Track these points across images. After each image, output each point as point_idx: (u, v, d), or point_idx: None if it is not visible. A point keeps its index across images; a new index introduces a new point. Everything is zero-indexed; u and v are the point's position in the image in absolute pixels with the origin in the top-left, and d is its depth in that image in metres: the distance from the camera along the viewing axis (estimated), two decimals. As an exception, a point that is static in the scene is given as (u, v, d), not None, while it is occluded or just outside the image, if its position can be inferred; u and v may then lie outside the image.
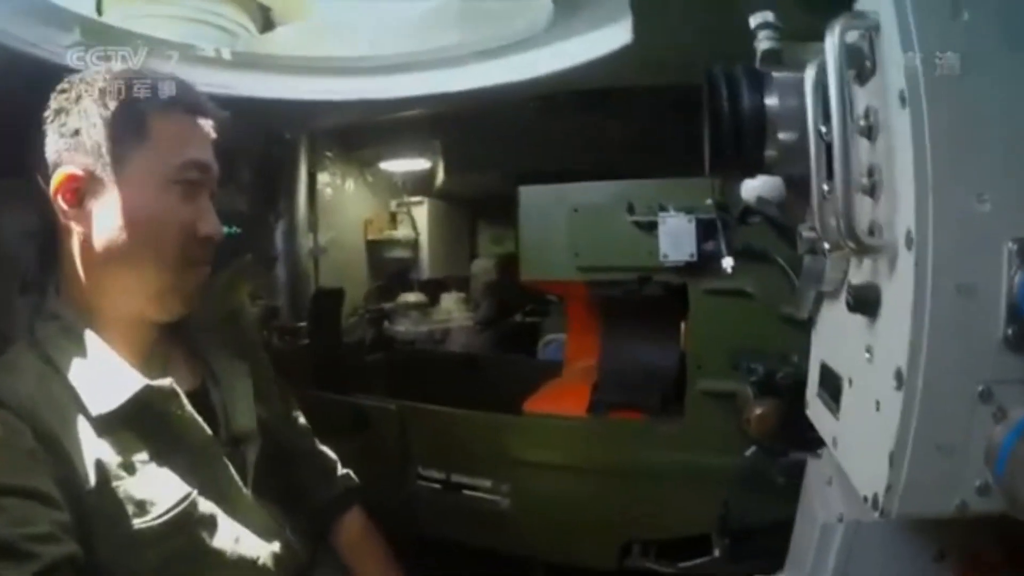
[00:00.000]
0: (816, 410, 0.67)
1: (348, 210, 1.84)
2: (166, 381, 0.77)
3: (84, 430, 0.71)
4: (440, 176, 1.82)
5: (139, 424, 0.75)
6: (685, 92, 0.71)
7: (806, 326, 0.75)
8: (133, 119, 0.77)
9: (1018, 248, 0.42)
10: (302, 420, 1.05)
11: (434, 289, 1.99)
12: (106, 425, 0.72)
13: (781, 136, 0.57)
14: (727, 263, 1.03)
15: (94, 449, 0.71)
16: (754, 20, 0.63)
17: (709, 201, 1.13)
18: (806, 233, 0.58)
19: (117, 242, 0.76)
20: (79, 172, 0.76)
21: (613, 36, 0.96)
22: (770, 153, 0.58)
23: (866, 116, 0.48)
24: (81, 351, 0.76)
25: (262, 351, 1.02)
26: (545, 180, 1.32)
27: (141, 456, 0.74)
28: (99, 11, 0.86)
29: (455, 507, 1.36)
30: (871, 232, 0.48)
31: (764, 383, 0.97)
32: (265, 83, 1.10)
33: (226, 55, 0.95)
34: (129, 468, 0.73)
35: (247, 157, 1.38)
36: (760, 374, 0.98)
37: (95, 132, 0.76)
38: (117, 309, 0.79)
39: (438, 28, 1.11)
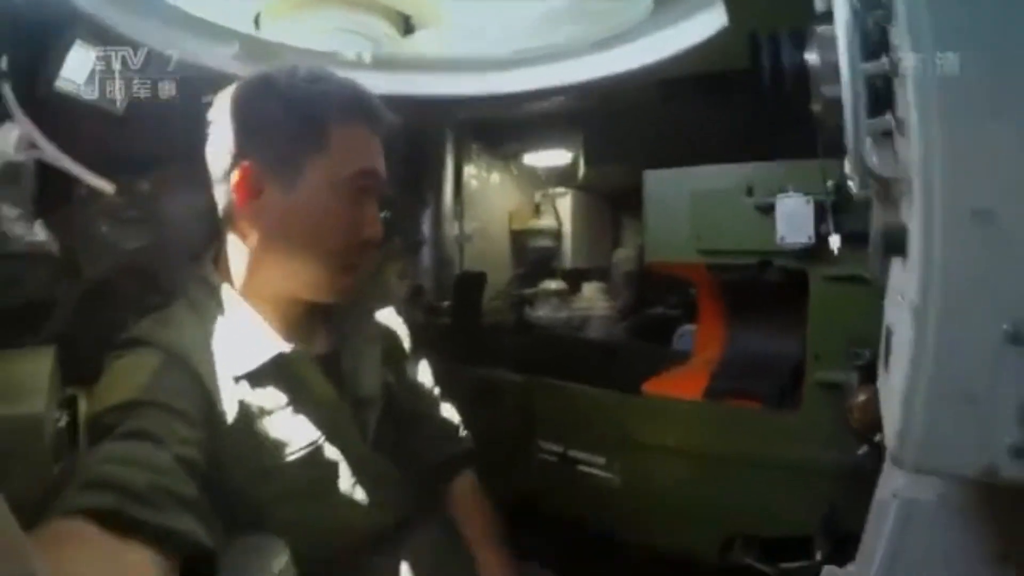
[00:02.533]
0: (881, 378, 0.62)
1: (493, 201, 1.95)
2: (299, 347, 0.85)
3: (228, 377, 0.79)
4: (582, 168, 1.87)
5: (276, 379, 0.83)
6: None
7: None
8: (315, 126, 0.82)
9: (1044, 168, 0.37)
10: (432, 389, 1.13)
11: (575, 278, 2.03)
12: (248, 377, 0.81)
13: (824, 89, 0.55)
14: (834, 242, 0.96)
15: (237, 393, 0.79)
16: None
17: (830, 183, 1.06)
18: (850, 182, 0.55)
19: (284, 237, 0.83)
20: (257, 168, 0.81)
21: (712, 21, 0.96)
22: (816, 107, 0.56)
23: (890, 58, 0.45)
24: (226, 315, 0.84)
25: (401, 325, 1.09)
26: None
27: (277, 403, 0.83)
28: (257, 25, 1.03)
29: (569, 481, 1.40)
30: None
31: (870, 369, 0.88)
32: (404, 82, 1.24)
33: (367, 59, 1.10)
34: (266, 412, 0.81)
35: (396, 148, 1.55)
36: (866, 358, 0.89)
37: (277, 134, 0.82)
38: (271, 288, 0.87)
39: (552, 27, 1.17)
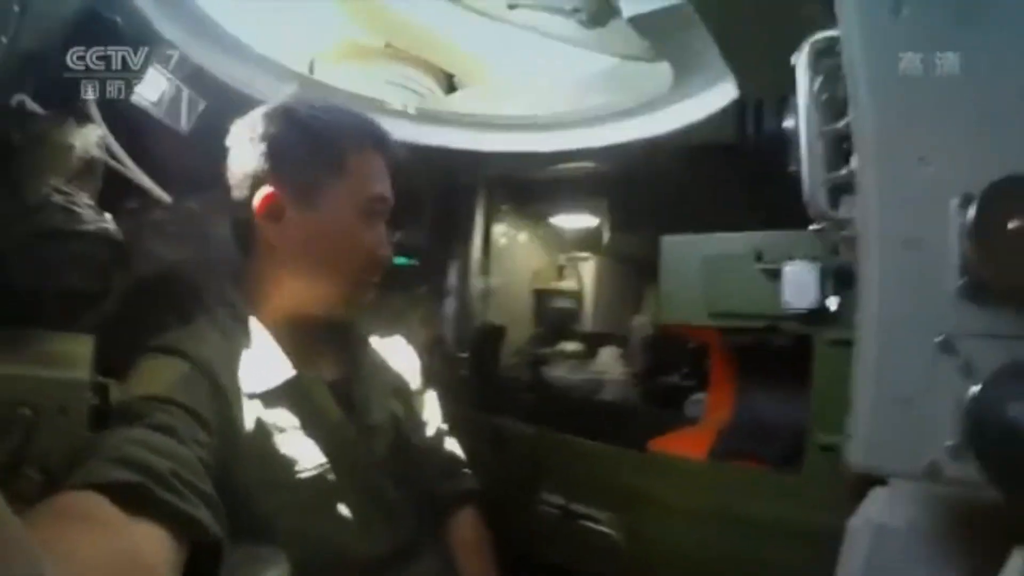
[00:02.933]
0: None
1: (519, 259, 2.03)
2: (311, 372, 0.91)
3: (244, 394, 0.84)
4: (606, 234, 1.96)
5: (288, 400, 0.88)
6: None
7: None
8: (334, 153, 0.90)
9: (962, 203, 0.44)
10: (440, 424, 1.15)
11: (594, 342, 2.08)
12: (263, 395, 0.86)
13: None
14: (832, 303, 1.01)
15: (251, 409, 0.84)
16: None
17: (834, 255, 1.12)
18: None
19: (305, 257, 0.91)
20: (279, 193, 0.89)
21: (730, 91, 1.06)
22: (793, 169, 0.64)
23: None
24: (247, 336, 0.89)
25: (412, 358, 1.14)
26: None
27: (289, 423, 0.87)
28: (311, 70, 1.18)
29: (570, 535, 1.40)
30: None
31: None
32: (444, 135, 1.37)
33: (411, 110, 1.23)
34: (278, 430, 0.86)
35: (429, 199, 1.67)
36: None
37: (297, 159, 0.89)
38: (288, 306, 0.93)
39: (588, 92, 1.30)
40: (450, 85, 1.26)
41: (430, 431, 1.14)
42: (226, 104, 1.04)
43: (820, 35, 0.55)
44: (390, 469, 0.98)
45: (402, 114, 1.24)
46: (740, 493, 1.20)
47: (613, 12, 0.98)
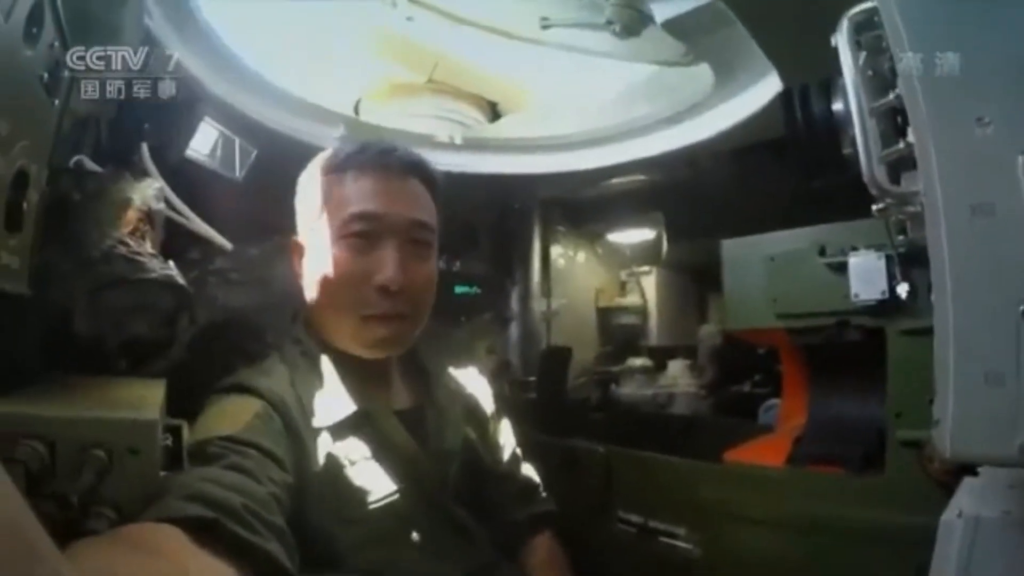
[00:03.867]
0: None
1: (579, 278, 2.03)
2: (378, 403, 0.91)
3: (314, 428, 0.84)
4: (665, 246, 1.93)
5: (358, 431, 0.88)
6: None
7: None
8: (320, 191, 0.92)
9: (1033, 160, 0.41)
10: (515, 449, 1.14)
11: (661, 356, 2.04)
12: (333, 428, 0.86)
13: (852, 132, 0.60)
14: (902, 290, 0.96)
15: (325, 442, 0.84)
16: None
17: (901, 237, 1.05)
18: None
19: (313, 295, 0.92)
20: (297, 239, 0.95)
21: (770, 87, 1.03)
22: (848, 151, 0.62)
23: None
24: (314, 371, 0.90)
25: (484, 385, 1.13)
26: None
27: (360, 455, 0.86)
28: (356, 111, 1.22)
29: (648, 552, 1.36)
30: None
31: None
32: (492, 161, 1.38)
33: (458, 140, 1.26)
34: (350, 463, 0.85)
35: (485, 227, 1.69)
36: None
37: (299, 205, 0.95)
38: (335, 343, 0.93)
39: (631, 103, 1.29)
40: (494, 113, 1.28)
41: (505, 455, 1.12)
42: (278, 151, 1.08)
43: (857, 8, 0.53)
44: (464, 495, 0.97)
45: (449, 145, 1.27)
46: (822, 499, 1.14)
47: (646, 20, 0.97)
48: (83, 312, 0.73)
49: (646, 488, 1.42)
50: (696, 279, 2.06)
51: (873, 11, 0.50)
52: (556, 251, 1.98)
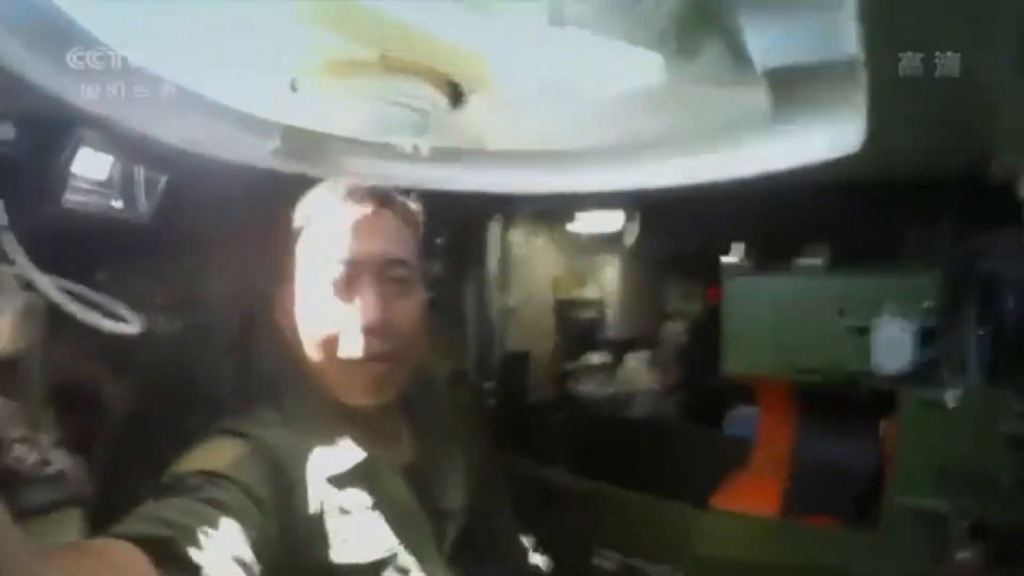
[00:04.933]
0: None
1: (538, 268, 1.87)
2: (379, 454, 0.87)
3: (310, 476, 0.81)
4: (630, 236, 1.79)
5: (356, 482, 0.84)
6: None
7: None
8: (299, 239, 0.90)
9: None
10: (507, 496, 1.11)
11: (620, 349, 1.96)
12: (333, 479, 0.83)
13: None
14: (950, 397, 0.92)
15: (318, 490, 0.81)
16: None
17: (927, 304, 1.04)
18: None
19: (302, 345, 0.88)
20: (284, 286, 0.91)
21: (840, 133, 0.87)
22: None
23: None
24: (315, 420, 0.87)
25: (480, 424, 1.14)
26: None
27: (356, 506, 0.83)
28: (293, 88, 0.92)
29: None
30: None
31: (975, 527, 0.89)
32: (465, 176, 1.14)
33: (424, 150, 1.00)
34: (345, 513, 0.82)
35: (443, 230, 1.47)
36: (973, 516, 0.89)
37: (282, 253, 0.91)
38: (326, 392, 0.89)
39: (642, 114, 1.07)
40: (455, 93, 1.00)
41: (501, 511, 1.09)
42: (196, 176, 0.88)
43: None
44: (463, 557, 0.92)
45: (415, 157, 1.01)
46: (814, 553, 1.15)
47: (742, 64, 0.75)
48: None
49: (627, 526, 1.38)
50: (655, 267, 1.94)
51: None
52: (515, 238, 1.79)
